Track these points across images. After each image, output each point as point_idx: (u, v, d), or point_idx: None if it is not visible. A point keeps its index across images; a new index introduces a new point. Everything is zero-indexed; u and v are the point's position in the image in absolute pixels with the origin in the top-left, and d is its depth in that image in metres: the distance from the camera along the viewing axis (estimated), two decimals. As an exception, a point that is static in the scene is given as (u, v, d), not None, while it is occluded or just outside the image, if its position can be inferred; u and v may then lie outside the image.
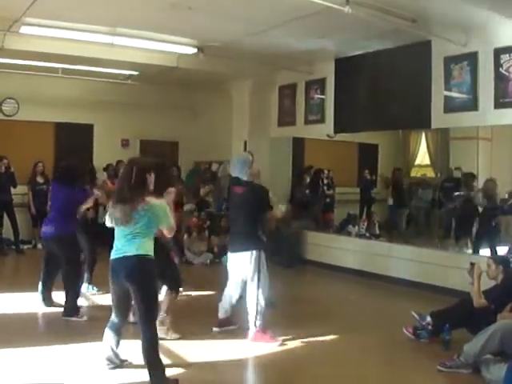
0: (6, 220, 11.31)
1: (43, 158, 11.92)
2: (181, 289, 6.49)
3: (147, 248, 4.58)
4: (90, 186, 7.71)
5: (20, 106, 12.23)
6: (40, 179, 11.64)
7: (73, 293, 6.75)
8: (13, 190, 11.33)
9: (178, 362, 5.33)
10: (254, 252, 5.94)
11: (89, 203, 7.08)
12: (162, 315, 5.84)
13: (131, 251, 4.53)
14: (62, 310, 6.75)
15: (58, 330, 6.30)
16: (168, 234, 4.74)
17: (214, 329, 6.31)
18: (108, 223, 4.62)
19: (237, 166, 6.15)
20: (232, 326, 6.36)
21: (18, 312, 6.92)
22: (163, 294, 6.15)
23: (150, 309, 4.59)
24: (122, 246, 4.58)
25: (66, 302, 6.73)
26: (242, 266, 6.03)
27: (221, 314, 6.35)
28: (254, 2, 7.27)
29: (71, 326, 6.45)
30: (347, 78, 10.38)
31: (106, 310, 4.92)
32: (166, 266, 5.93)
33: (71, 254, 6.78)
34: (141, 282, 4.54)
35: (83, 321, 6.60)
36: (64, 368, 5.04)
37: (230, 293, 6.27)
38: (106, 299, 5.21)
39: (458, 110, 8.38)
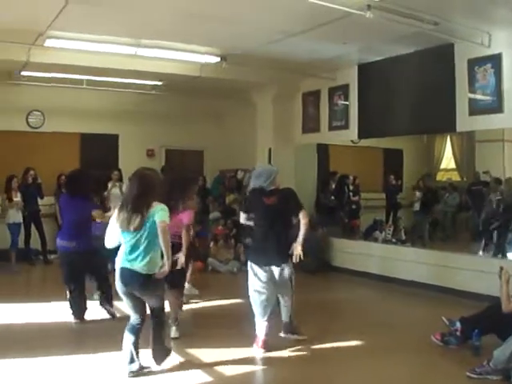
0: (33, 230, 11.41)
1: (69, 168, 11.98)
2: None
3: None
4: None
5: (46, 117, 12.40)
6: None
7: (106, 284, 6.99)
8: (40, 201, 11.45)
9: (194, 363, 5.45)
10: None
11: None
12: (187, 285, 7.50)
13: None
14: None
15: (82, 339, 6.38)
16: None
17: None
18: None
19: (261, 176, 5.99)
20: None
21: (46, 321, 6.97)
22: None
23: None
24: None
25: (102, 292, 7.11)
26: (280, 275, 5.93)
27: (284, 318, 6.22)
28: (275, 9, 7.26)
29: (95, 336, 6.46)
30: (370, 83, 10.35)
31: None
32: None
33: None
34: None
35: (112, 318, 6.96)
36: (86, 377, 5.07)
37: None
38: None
39: (483, 113, 8.29)
